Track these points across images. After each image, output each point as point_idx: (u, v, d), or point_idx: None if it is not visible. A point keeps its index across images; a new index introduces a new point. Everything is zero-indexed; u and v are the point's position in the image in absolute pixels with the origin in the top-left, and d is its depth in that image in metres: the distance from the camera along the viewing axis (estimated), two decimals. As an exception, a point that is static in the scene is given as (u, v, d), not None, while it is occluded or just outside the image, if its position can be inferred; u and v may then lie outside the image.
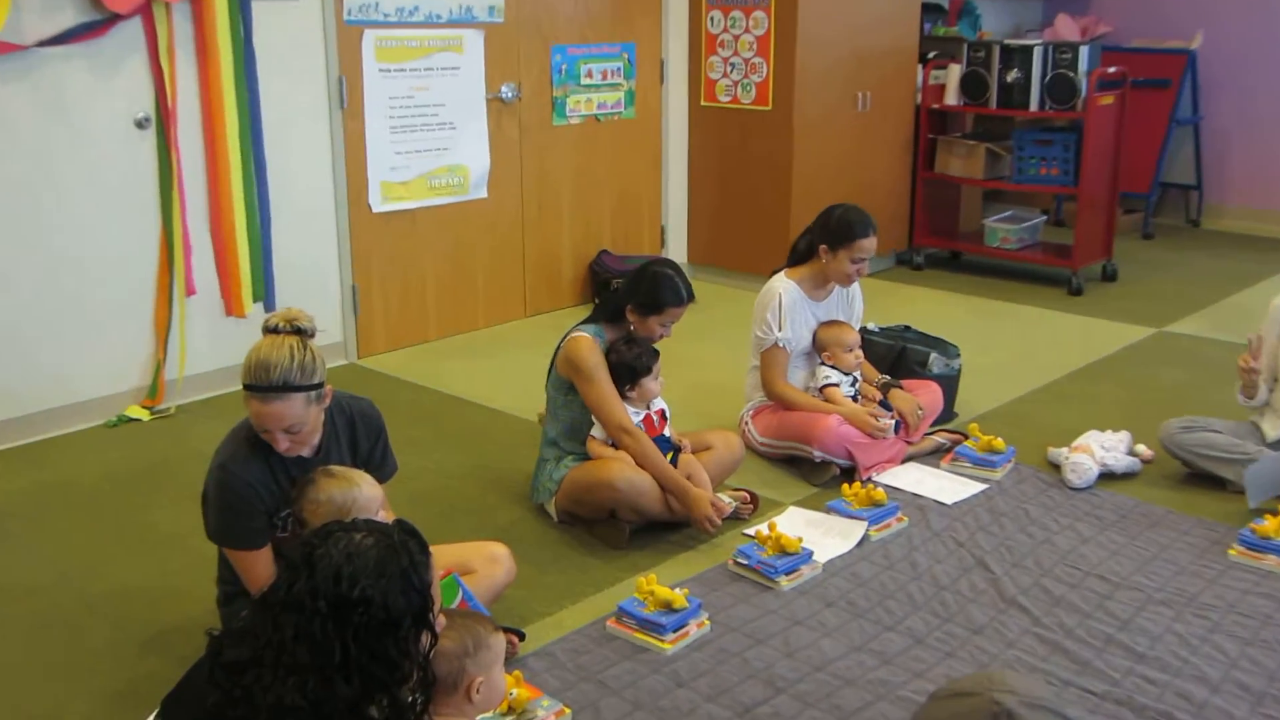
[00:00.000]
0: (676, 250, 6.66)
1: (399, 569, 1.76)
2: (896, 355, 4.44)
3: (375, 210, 5.23)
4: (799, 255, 4.11)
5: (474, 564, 2.89)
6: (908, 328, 4.66)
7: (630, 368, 3.51)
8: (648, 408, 3.56)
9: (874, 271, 6.84)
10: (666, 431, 3.60)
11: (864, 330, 4.55)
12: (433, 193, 5.42)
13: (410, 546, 1.81)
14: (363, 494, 2.61)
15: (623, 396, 3.52)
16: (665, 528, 3.56)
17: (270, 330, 2.60)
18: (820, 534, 3.50)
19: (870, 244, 3.95)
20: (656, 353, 3.58)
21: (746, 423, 4.17)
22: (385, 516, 2.62)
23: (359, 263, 5.25)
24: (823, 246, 3.97)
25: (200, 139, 4.58)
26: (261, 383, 2.53)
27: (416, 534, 1.86)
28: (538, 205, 5.91)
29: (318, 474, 2.64)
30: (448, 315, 5.64)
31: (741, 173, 6.36)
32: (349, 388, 5.17)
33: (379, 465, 2.91)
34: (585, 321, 3.61)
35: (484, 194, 5.62)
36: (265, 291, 4.82)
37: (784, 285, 4.04)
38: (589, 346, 3.49)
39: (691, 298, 3.53)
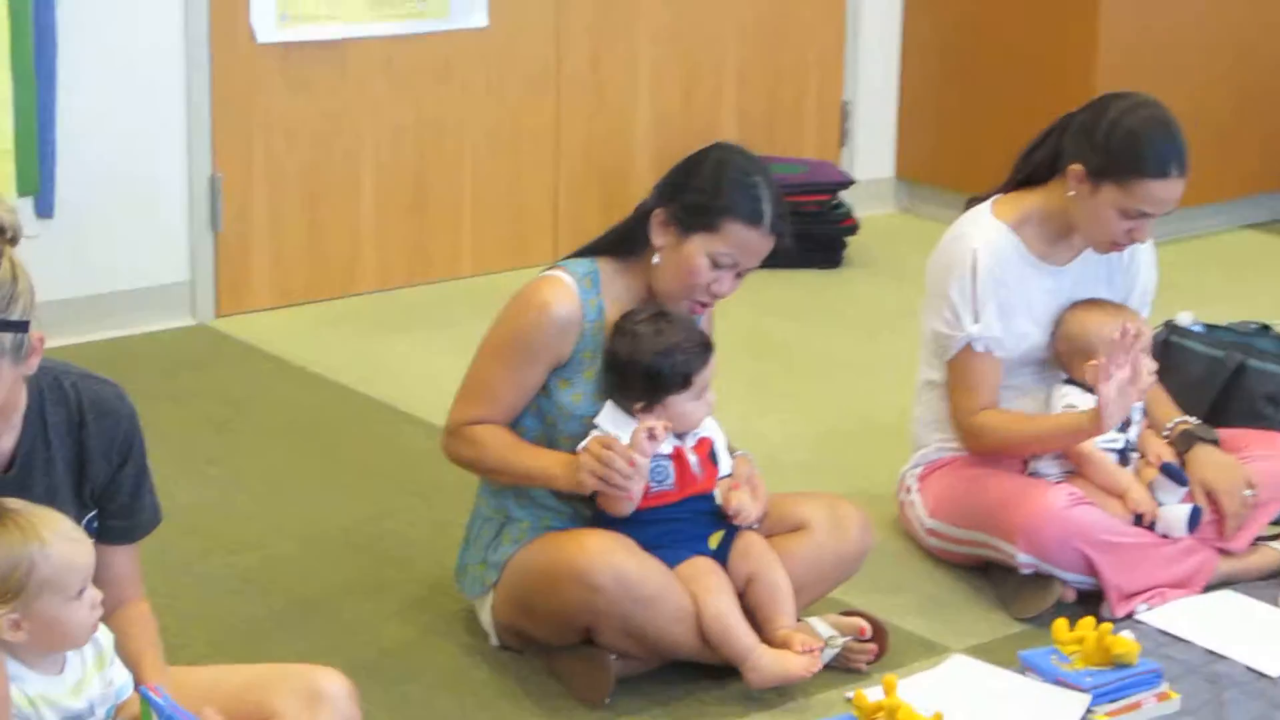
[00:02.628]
0: (872, 158, 6.72)
1: None
2: (1227, 380, 4.44)
3: (262, 41, 5.43)
4: (1028, 172, 4.14)
5: (276, 703, 2.94)
6: (1265, 329, 4.64)
7: (649, 373, 3.54)
8: (678, 438, 3.67)
9: (1248, 222, 6.78)
10: (713, 487, 3.66)
11: (1169, 327, 4.52)
12: (376, 13, 5.60)
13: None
14: (52, 557, 2.68)
15: (630, 413, 3.61)
16: (692, 672, 3.61)
17: None
18: (996, 712, 3.50)
19: (1168, 191, 3.93)
20: (708, 344, 3.65)
21: (909, 490, 4.21)
22: (97, 602, 2.74)
23: (227, 139, 5.43)
24: (1075, 166, 3.99)
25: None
26: None
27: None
28: (590, 53, 6.06)
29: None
30: (398, 248, 5.80)
31: (1002, 13, 6.45)
32: (196, 364, 5.33)
33: (125, 509, 3.01)
34: (577, 253, 3.71)
35: (483, 22, 5.79)
36: (39, 183, 5.04)
37: (984, 233, 4.05)
38: (548, 297, 3.56)
39: (780, 229, 3.56)
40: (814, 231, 6.17)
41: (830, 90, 6.62)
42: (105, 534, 2.96)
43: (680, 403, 3.58)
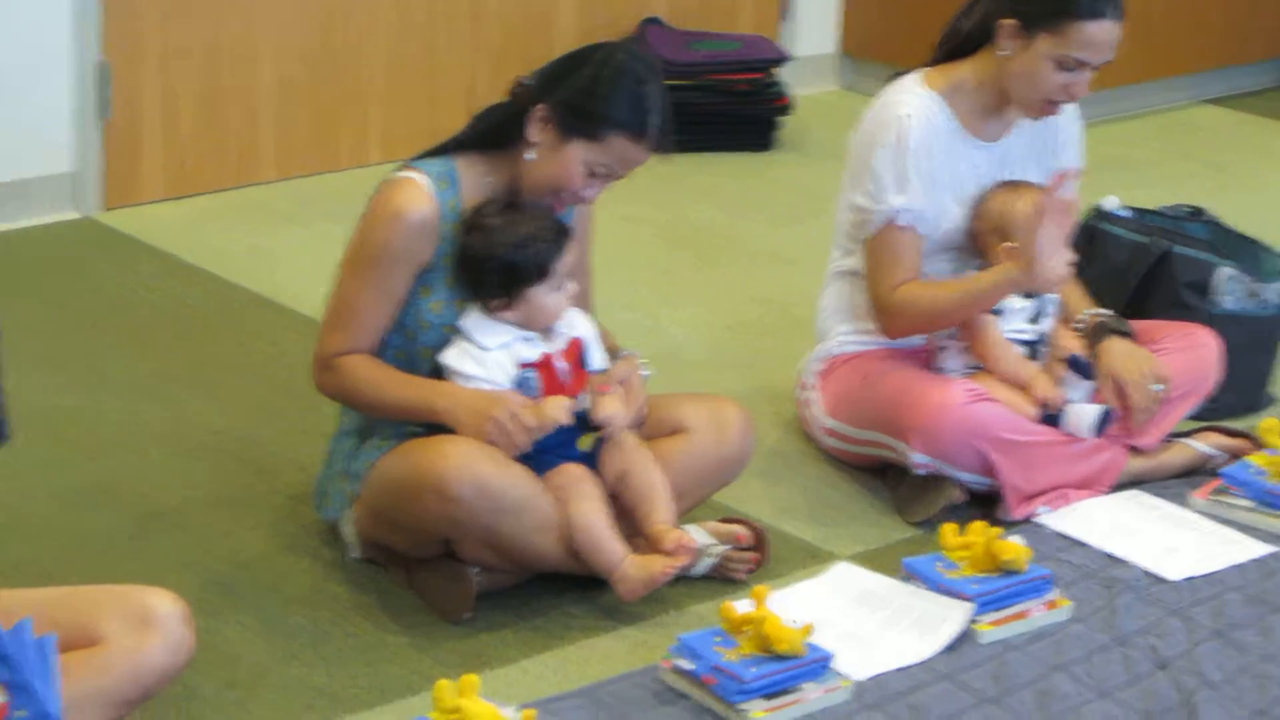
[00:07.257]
0: (813, 31, 6.70)
1: None
2: (1150, 267, 4.43)
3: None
4: (957, 42, 4.15)
5: (102, 626, 2.95)
6: (1198, 212, 4.63)
7: (505, 266, 3.55)
8: (544, 337, 3.65)
9: (1229, 94, 6.73)
10: (583, 395, 3.62)
11: (1094, 213, 4.52)
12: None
13: None
14: None
15: (490, 312, 3.60)
16: (559, 585, 3.64)
17: None
18: (877, 621, 3.52)
19: (1104, 33, 3.93)
20: (564, 231, 3.64)
21: (808, 388, 4.22)
22: None
23: (115, 20, 5.40)
24: (1007, 22, 3.99)
25: None
26: None
27: None
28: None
29: None
30: (301, 135, 5.80)
31: None
32: (76, 261, 5.30)
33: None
34: (429, 153, 3.68)
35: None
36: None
37: (913, 103, 4.07)
38: (401, 203, 3.55)
39: (662, 142, 3.57)
40: (744, 111, 6.14)
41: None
42: None
43: (539, 295, 3.59)
